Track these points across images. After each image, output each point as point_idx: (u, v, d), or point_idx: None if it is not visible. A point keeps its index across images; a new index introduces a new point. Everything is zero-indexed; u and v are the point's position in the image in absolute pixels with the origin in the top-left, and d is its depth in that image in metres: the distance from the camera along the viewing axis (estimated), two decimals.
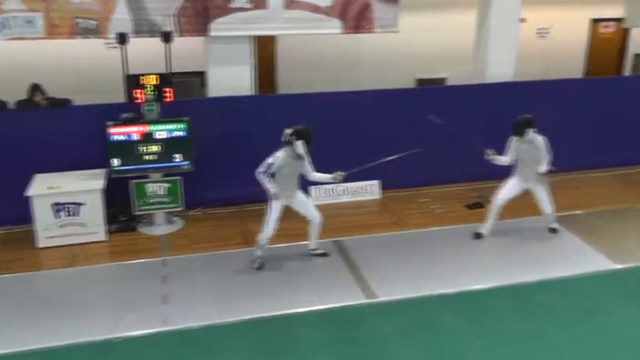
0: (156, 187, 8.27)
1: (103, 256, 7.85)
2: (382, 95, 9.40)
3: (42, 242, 7.96)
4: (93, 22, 8.40)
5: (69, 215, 7.96)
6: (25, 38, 8.34)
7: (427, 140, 9.48)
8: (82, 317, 6.41)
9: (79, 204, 7.98)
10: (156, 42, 8.42)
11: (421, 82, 11.58)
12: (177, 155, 8.22)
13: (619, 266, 7.38)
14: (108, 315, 6.47)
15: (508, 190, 8.02)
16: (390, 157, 7.73)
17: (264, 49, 11.02)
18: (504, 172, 9.86)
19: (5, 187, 8.15)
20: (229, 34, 8.76)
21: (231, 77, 8.92)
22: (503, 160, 7.92)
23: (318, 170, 7.28)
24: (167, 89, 8.05)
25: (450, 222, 8.47)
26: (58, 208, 7.93)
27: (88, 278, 7.29)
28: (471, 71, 10.33)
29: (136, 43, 8.42)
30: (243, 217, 8.76)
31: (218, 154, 8.41)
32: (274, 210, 7.18)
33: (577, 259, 7.56)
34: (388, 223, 8.54)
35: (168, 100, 8.09)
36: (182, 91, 8.40)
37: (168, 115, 8.24)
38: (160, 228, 8.47)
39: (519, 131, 7.67)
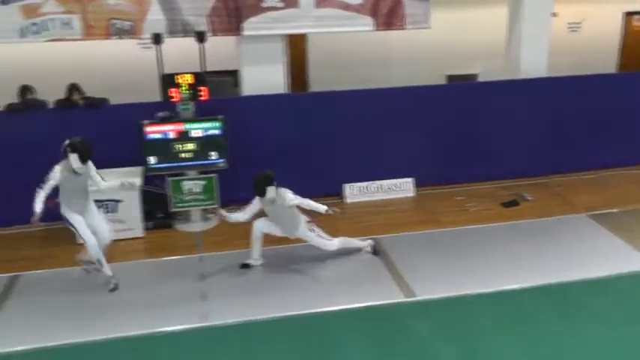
0: (192, 185, 8.37)
1: (141, 252, 8.00)
2: (413, 92, 9.37)
3: (81, 239, 8.06)
4: (128, 22, 8.54)
5: (107, 212, 8.09)
6: (63, 39, 8.52)
7: (459, 137, 9.53)
8: (122, 312, 6.55)
9: (118, 201, 8.13)
10: (186, 41, 8.54)
11: (452, 78, 11.50)
12: (212, 153, 8.32)
13: None
14: (147, 310, 6.58)
15: (268, 225, 7.29)
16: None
17: (296, 48, 11.08)
18: (540, 170, 9.89)
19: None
20: (262, 33, 8.83)
21: (265, 76, 8.99)
22: (239, 217, 7.14)
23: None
24: (202, 88, 8.16)
25: (487, 220, 8.41)
26: (97, 205, 8.00)
27: (126, 274, 7.39)
28: (503, 66, 10.26)
29: (166, 43, 8.49)
30: None
31: (251, 152, 8.48)
32: (79, 224, 6.89)
33: (616, 257, 7.40)
34: (424, 221, 8.51)
35: (203, 98, 8.18)
36: (214, 90, 8.47)
37: (202, 113, 8.33)
38: (196, 225, 8.59)
39: (258, 191, 6.88)
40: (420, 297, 6.63)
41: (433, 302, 6.55)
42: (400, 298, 6.62)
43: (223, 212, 7.13)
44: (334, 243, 7.38)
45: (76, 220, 6.90)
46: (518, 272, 7.08)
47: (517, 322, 6.18)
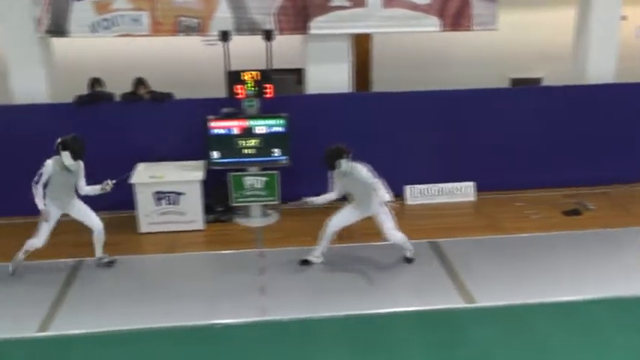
0: (253, 181, 8.49)
1: (201, 244, 8.15)
2: (476, 94, 9.27)
3: (143, 228, 8.36)
4: (195, 20, 8.69)
5: (169, 204, 8.29)
6: (132, 35, 8.77)
7: (521, 142, 9.38)
8: (182, 302, 6.71)
9: (180, 193, 8.30)
10: (247, 39, 8.65)
11: (515, 81, 11.32)
12: (275, 150, 8.43)
13: None
14: (207, 301, 6.73)
15: (343, 217, 7.31)
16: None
17: (360, 47, 11.08)
18: (603, 179, 9.66)
19: (110, 175, 8.45)
20: (328, 32, 8.87)
21: (330, 75, 9.03)
22: (328, 197, 7.20)
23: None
24: (267, 85, 8.26)
25: (548, 228, 8.27)
26: (159, 196, 8.29)
27: (186, 265, 7.61)
28: (569, 71, 10.02)
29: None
30: None
31: (314, 150, 8.50)
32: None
33: None
34: (484, 226, 8.43)
35: (268, 96, 8.29)
36: (278, 88, 8.54)
37: (266, 110, 8.43)
38: (256, 220, 8.71)
39: (329, 164, 6.92)
40: (481, 303, 6.57)
41: (493, 309, 6.48)
42: (460, 304, 6.59)
43: (307, 199, 7.20)
44: (398, 235, 7.28)
45: (49, 214, 7.09)
46: (580, 283, 6.94)
47: (577, 333, 6.07)
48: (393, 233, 7.23)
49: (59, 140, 6.89)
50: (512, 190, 9.44)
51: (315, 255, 7.47)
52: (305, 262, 7.47)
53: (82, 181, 7.19)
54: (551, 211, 8.87)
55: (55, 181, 7.01)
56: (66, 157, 6.86)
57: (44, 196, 7.02)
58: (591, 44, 9.60)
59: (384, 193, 6.86)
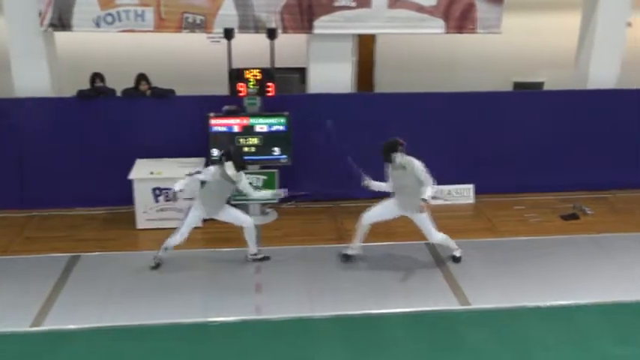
0: (252, 179, 8.44)
1: (198, 241, 8.10)
2: (478, 97, 9.29)
3: (141, 224, 8.36)
4: (200, 17, 8.71)
5: (168, 200, 8.26)
6: (135, 31, 8.75)
7: (521, 146, 9.39)
8: (177, 299, 6.71)
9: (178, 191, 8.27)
10: (252, 37, 8.66)
11: (518, 85, 11.34)
12: (275, 149, 8.42)
13: None
14: (202, 298, 6.74)
15: (380, 211, 7.32)
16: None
17: (365, 48, 11.09)
18: (602, 184, 9.67)
19: (110, 170, 8.60)
20: (333, 31, 8.87)
21: (332, 75, 9.04)
22: (383, 186, 7.20)
23: None
24: (269, 84, 8.23)
25: (546, 232, 8.27)
26: (158, 192, 8.28)
27: (182, 262, 7.55)
28: (571, 76, 10.04)
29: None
30: (336, 214, 8.86)
31: (314, 150, 8.52)
32: (191, 218, 7.23)
33: None
34: (482, 229, 8.44)
35: (270, 94, 8.27)
36: (281, 87, 8.55)
37: (268, 108, 8.43)
38: (254, 219, 8.54)
39: (385, 157, 6.98)
40: (475, 306, 6.59)
41: (488, 312, 6.49)
42: (455, 306, 6.60)
43: (368, 179, 7.14)
44: (439, 236, 7.30)
45: (193, 215, 7.20)
46: (575, 288, 6.94)
47: (571, 339, 6.06)
48: (434, 233, 7.26)
49: (223, 151, 7.15)
50: (512, 194, 9.44)
51: (353, 248, 7.46)
52: (346, 258, 7.46)
53: (249, 188, 7.31)
54: (549, 215, 8.88)
55: (211, 188, 7.10)
56: (229, 167, 6.98)
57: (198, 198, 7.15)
58: (594, 50, 9.61)
59: (429, 190, 6.88)
